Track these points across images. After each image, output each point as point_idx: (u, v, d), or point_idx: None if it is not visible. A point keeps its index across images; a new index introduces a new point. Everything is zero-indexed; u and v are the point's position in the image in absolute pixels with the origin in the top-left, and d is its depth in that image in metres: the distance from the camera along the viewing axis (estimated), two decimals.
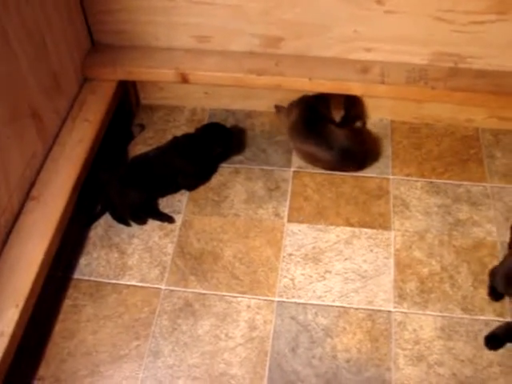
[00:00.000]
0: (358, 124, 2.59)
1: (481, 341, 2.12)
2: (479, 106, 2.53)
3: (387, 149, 2.67)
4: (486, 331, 2.13)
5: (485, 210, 2.44)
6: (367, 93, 2.49)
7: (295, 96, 2.61)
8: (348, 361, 2.08)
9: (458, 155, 2.64)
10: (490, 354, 2.09)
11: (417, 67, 2.49)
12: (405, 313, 2.18)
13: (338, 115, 2.35)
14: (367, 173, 2.54)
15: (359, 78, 2.47)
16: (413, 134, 2.72)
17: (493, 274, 1.99)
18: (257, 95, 2.68)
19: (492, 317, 2.18)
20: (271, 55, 2.53)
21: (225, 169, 2.60)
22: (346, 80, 2.46)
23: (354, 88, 2.46)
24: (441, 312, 2.19)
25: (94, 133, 2.27)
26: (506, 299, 2.18)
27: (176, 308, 2.21)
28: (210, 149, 2.49)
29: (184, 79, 2.53)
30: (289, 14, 2.37)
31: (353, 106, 2.35)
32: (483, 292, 2.23)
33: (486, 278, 2.23)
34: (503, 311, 2.17)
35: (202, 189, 2.53)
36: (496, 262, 2.26)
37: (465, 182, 2.55)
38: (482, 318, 2.19)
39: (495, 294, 1.99)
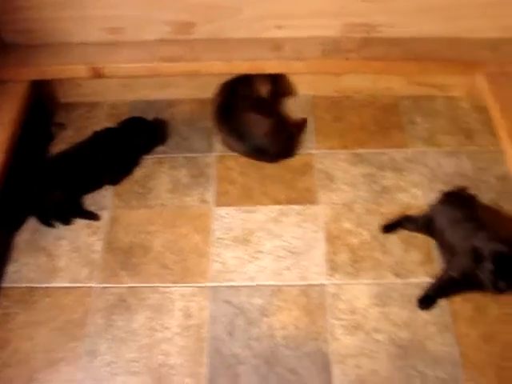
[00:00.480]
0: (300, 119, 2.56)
1: (415, 303, 2.15)
2: (396, 73, 2.56)
3: (310, 124, 2.67)
4: (418, 293, 2.16)
5: (409, 174, 2.46)
6: (284, 70, 2.49)
7: (214, 81, 2.61)
8: (286, 338, 2.08)
9: (379, 124, 2.65)
10: (424, 315, 2.12)
11: (330, 40, 2.49)
12: (338, 284, 2.19)
13: (265, 90, 2.35)
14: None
15: (274, 55, 2.47)
16: (334, 107, 2.72)
17: (408, 219, 2.15)
18: (175, 83, 2.66)
19: (423, 279, 2.20)
20: (185, 41, 2.51)
21: (148, 160, 2.56)
22: (261, 59, 2.45)
23: (269, 66, 2.45)
24: (374, 280, 2.20)
25: (6, 135, 2.28)
26: (437, 262, 2.23)
27: (109, 305, 2.17)
28: (131, 142, 2.47)
29: (97, 74, 2.48)
30: None
31: (279, 79, 2.34)
32: (414, 255, 2.25)
33: (416, 241, 2.27)
34: (434, 272, 2.22)
35: (126, 182, 2.48)
36: None
37: (388, 150, 2.57)
38: (414, 281, 2.21)
39: (389, 229, 2.16)
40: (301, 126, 2.32)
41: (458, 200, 2.07)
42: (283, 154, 2.26)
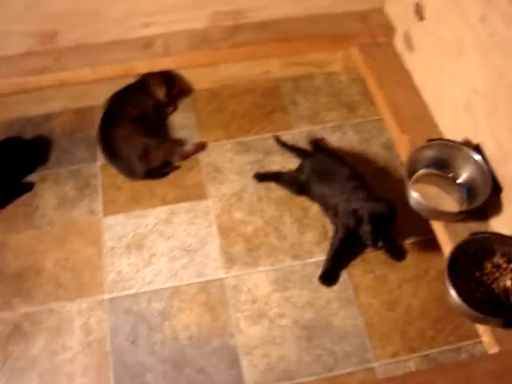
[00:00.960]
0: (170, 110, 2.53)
1: (315, 282, 2.17)
2: (269, 56, 2.54)
3: (191, 119, 2.64)
4: (318, 272, 2.19)
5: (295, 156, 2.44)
6: (152, 68, 2.43)
7: (92, 89, 2.53)
8: (190, 338, 2.07)
9: (261, 109, 2.64)
10: (326, 293, 2.15)
11: (198, 32, 2.45)
12: (237, 276, 2.18)
13: (161, 92, 2.36)
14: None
15: (143, 55, 2.41)
16: (214, 98, 2.69)
17: (282, 175, 2.22)
18: (51, 96, 2.53)
19: (321, 257, 2.22)
20: (50, 51, 2.38)
21: (30, 178, 2.36)
22: (128, 60, 2.39)
23: (137, 66, 2.40)
24: (272, 266, 2.21)
25: None
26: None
27: (4, 335, 2.10)
28: (10, 166, 2.35)
29: None
30: (55, 4, 2.24)
31: (173, 80, 2.35)
32: (310, 236, 2.27)
33: (310, 222, 2.29)
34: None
35: (9, 205, 2.29)
36: (315, 206, 2.34)
37: (273, 134, 2.56)
38: (312, 260, 2.24)
39: (261, 178, 2.23)
40: (196, 149, 2.30)
41: (328, 158, 2.14)
42: (154, 176, 2.23)
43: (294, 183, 2.15)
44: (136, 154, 2.17)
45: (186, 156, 2.28)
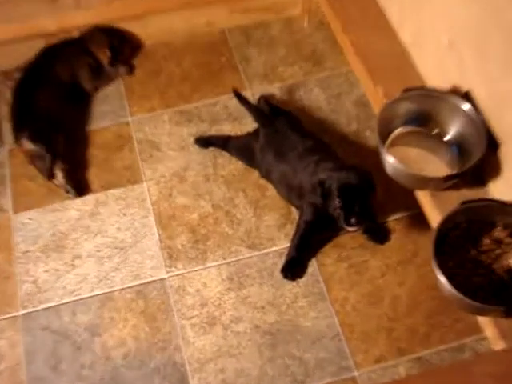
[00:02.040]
0: (122, 70, 2.46)
1: (278, 276, 2.06)
2: (213, 2, 2.47)
3: (119, 87, 2.50)
4: (281, 263, 2.08)
5: (251, 122, 2.32)
6: (63, 25, 2.33)
7: None
8: (126, 356, 1.96)
9: (205, 69, 2.52)
10: (292, 288, 2.05)
11: None
12: (181, 274, 2.09)
13: (104, 57, 2.30)
14: (99, 124, 2.38)
15: (50, 9, 2.30)
16: (147, 59, 2.55)
17: (232, 144, 2.20)
18: None
19: (284, 244, 2.12)
20: None
21: None
22: (34, 17, 2.29)
23: (43, 24, 2.29)
24: (224, 259, 2.12)
25: None
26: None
27: None
28: None
29: None
30: None
31: (120, 42, 2.33)
32: (269, 219, 2.17)
33: (268, 201, 2.21)
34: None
35: None
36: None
37: (221, 98, 2.46)
38: (273, 249, 2.14)
39: (201, 143, 2.28)
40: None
41: (288, 128, 2.15)
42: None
43: (246, 150, 2.11)
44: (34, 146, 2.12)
45: None
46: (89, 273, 2.08)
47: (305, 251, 2.03)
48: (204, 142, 2.21)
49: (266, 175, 2.09)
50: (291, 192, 2.08)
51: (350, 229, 1.83)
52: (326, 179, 1.84)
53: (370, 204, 1.92)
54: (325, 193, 1.82)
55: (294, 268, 2.04)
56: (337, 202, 1.82)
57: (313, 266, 2.03)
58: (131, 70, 2.40)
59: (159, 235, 2.10)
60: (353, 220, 1.82)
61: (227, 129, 2.34)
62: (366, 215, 1.83)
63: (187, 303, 1.98)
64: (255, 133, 2.17)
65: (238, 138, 2.23)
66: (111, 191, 2.22)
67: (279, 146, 2.09)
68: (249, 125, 2.29)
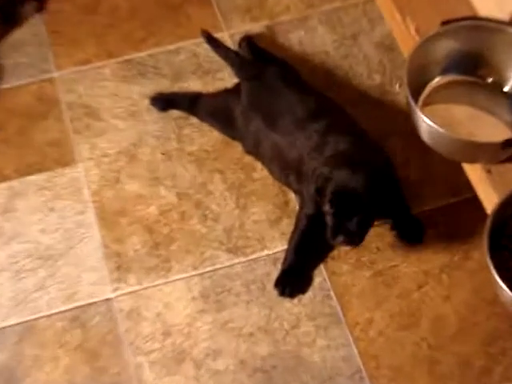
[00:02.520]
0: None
1: (272, 291, 2.10)
2: None
3: (39, 29, 2.53)
4: (276, 273, 2.12)
5: (227, 75, 2.39)
6: None
7: None
8: None
9: (163, 2, 2.57)
10: (292, 308, 2.08)
11: None
12: (135, 292, 2.11)
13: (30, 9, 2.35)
14: (11, 82, 2.43)
15: None
16: None
17: (203, 106, 2.25)
18: None
19: (279, 246, 2.16)
20: None
21: None
22: None
23: None
24: (195, 268, 2.14)
25: None
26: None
27: None
28: None
29: None
30: None
31: None
32: (257, 212, 2.22)
33: (256, 186, 2.27)
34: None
35: None
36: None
37: (186, 43, 2.49)
38: (264, 253, 2.18)
39: (159, 103, 2.32)
40: None
41: (281, 78, 2.19)
42: None
43: (223, 115, 2.15)
44: None
45: None
46: (1, 293, 2.10)
47: (308, 256, 2.02)
48: (164, 103, 2.24)
49: (253, 149, 2.11)
50: (288, 172, 2.12)
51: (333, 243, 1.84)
52: (322, 171, 1.88)
53: (398, 191, 1.98)
54: (319, 188, 1.86)
55: (293, 280, 2.03)
56: (327, 207, 1.85)
57: (321, 275, 2.05)
58: (41, 5, 2.41)
59: (102, 238, 2.11)
60: (339, 238, 1.86)
61: (196, 86, 2.37)
62: (364, 232, 1.89)
63: (144, 332, 1.99)
64: (235, 90, 2.20)
65: (211, 97, 2.26)
66: (31, 177, 2.22)
67: (269, 108, 2.13)
68: (226, 80, 2.33)
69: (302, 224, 2.02)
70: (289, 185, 2.13)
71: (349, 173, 1.88)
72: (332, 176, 1.90)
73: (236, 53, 2.24)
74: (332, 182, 1.89)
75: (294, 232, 2.03)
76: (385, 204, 1.95)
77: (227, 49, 2.23)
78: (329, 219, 1.87)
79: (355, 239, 1.87)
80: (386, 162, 1.95)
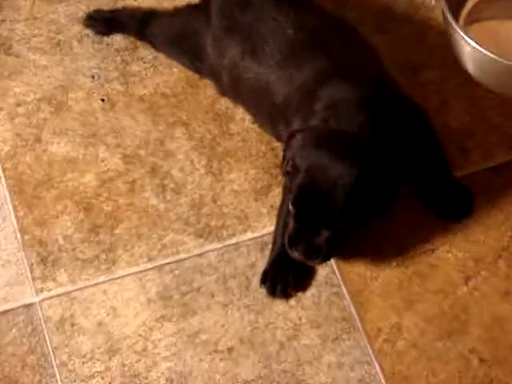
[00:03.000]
0: None
1: (258, 286, 2.14)
2: None
3: None
4: (263, 264, 2.15)
5: None
6: None
7: None
8: None
9: None
10: (288, 311, 2.11)
11: None
12: (66, 294, 2.14)
13: None
14: None
15: None
16: None
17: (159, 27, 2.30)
18: None
19: (268, 227, 2.20)
20: None
21: None
22: None
23: None
24: (151, 259, 2.17)
25: None
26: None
27: None
28: None
29: None
30: None
31: None
32: (237, 178, 2.27)
33: (233, 144, 2.34)
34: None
35: None
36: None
37: None
38: (246, 237, 2.22)
39: (108, 26, 2.34)
40: None
41: None
42: None
43: (185, 40, 2.20)
44: None
45: None
46: None
47: (298, 254, 2.02)
48: (105, 23, 2.29)
49: (229, 89, 2.16)
50: (275, 118, 2.14)
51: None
52: (296, 145, 1.92)
53: (436, 152, 2.04)
54: (288, 172, 1.91)
55: (287, 272, 2.08)
56: (290, 204, 1.86)
57: (328, 265, 2.07)
58: None
59: (19, 220, 2.14)
60: (297, 250, 1.90)
61: (147, 2, 2.41)
62: (333, 250, 1.93)
63: (81, 350, 2.01)
64: (203, 6, 2.24)
65: (169, 16, 2.30)
66: None
67: (251, 30, 2.14)
68: None
69: (285, 209, 2.03)
70: (278, 137, 2.15)
71: (332, 161, 1.90)
72: (305, 160, 1.90)
73: None
74: (302, 171, 1.89)
75: (281, 206, 2.07)
76: (414, 170, 2.00)
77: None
78: (290, 220, 1.88)
79: (318, 257, 1.90)
80: (417, 132, 1.98)
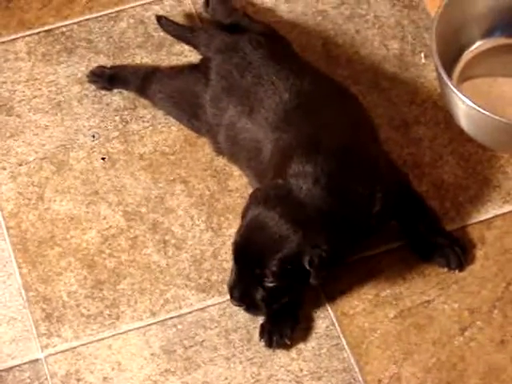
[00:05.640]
0: None
1: (259, 341, 2.10)
2: None
3: None
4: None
5: (187, 49, 2.50)
6: None
7: None
8: None
9: None
10: (289, 363, 2.14)
11: None
12: (72, 350, 2.15)
13: None
14: None
15: None
16: None
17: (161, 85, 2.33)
18: None
19: None
20: None
21: None
22: None
23: None
24: (154, 315, 2.19)
25: None
26: None
27: None
28: None
29: None
30: None
31: None
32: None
33: (232, 201, 2.34)
34: None
35: None
36: None
37: (128, 5, 2.57)
38: None
39: (109, 82, 2.40)
40: None
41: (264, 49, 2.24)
42: None
43: (185, 99, 2.23)
44: None
45: None
46: None
47: (297, 292, 2.03)
48: (106, 79, 2.31)
49: (226, 149, 2.18)
50: (265, 179, 2.13)
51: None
52: (255, 194, 1.96)
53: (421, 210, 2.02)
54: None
55: (283, 323, 2.08)
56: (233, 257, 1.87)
57: (328, 317, 2.09)
58: None
59: (23, 277, 2.15)
60: (233, 296, 1.97)
61: (144, 61, 2.46)
62: (267, 306, 1.95)
63: None
64: (202, 66, 2.26)
65: (168, 74, 2.32)
66: None
67: (248, 91, 2.17)
68: (187, 55, 2.43)
69: None
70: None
71: (274, 222, 1.94)
72: (250, 215, 1.96)
73: (195, 28, 2.35)
74: (244, 225, 1.94)
75: None
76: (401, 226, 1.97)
77: (184, 27, 2.35)
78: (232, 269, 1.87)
79: (251, 309, 1.98)
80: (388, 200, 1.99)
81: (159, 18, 2.33)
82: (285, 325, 2.10)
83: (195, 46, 2.32)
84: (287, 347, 2.09)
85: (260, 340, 2.09)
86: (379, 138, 2.12)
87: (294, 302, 2.09)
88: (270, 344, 2.09)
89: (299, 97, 2.14)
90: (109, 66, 2.34)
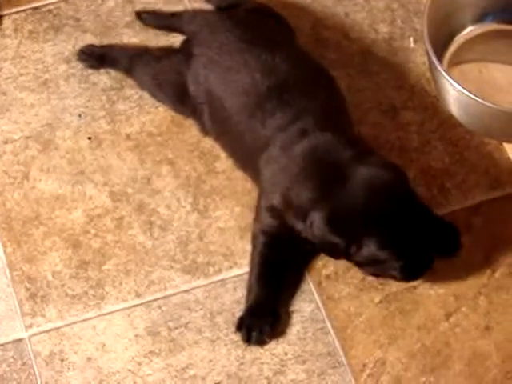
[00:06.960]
0: None
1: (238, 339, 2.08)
2: None
3: None
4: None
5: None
6: None
7: None
8: None
9: None
10: (274, 347, 2.14)
11: None
12: (56, 329, 2.14)
13: None
14: None
15: None
16: None
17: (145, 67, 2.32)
18: None
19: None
20: None
21: None
22: None
23: None
24: (139, 296, 2.18)
25: None
26: None
27: None
28: None
29: None
30: None
31: None
32: (222, 216, 2.27)
33: (218, 183, 2.32)
34: None
35: None
36: None
37: None
38: (232, 273, 2.23)
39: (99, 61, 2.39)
40: None
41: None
42: None
43: (171, 81, 2.23)
44: None
45: None
46: None
47: (282, 281, 2.07)
48: (95, 58, 2.30)
49: (213, 129, 2.16)
50: (246, 163, 2.16)
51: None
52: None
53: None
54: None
55: (264, 319, 2.08)
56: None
57: (313, 301, 2.07)
58: None
59: (8, 256, 2.14)
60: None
61: (132, 42, 2.44)
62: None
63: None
64: (185, 45, 2.27)
65: (155, 57, 2.32)
66: None
67: (226, 68, 2.17)
68: (175, 36, 2.41)
69: (259, 243, 2.07)
70: (252, 178, 2.14)
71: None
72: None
73: (176, 12, 2.37)
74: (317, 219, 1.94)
75: (252, 254, 2.06)
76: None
77: (165, 14, 2.36)
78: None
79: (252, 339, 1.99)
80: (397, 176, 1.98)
81: (139, 14, 2.35)
82: (265, 321, 2.09)
83: (180, 30, 2.33)
84: (264, 344, 2.08)
85: (235, 333, 2.08)
86: (352, 123, 2.12)
87: (276, 298, 2.10)
88: (247, 339, 2.08)
89: (270, 78, 2.12)
90: (98, 45, 2.31)
